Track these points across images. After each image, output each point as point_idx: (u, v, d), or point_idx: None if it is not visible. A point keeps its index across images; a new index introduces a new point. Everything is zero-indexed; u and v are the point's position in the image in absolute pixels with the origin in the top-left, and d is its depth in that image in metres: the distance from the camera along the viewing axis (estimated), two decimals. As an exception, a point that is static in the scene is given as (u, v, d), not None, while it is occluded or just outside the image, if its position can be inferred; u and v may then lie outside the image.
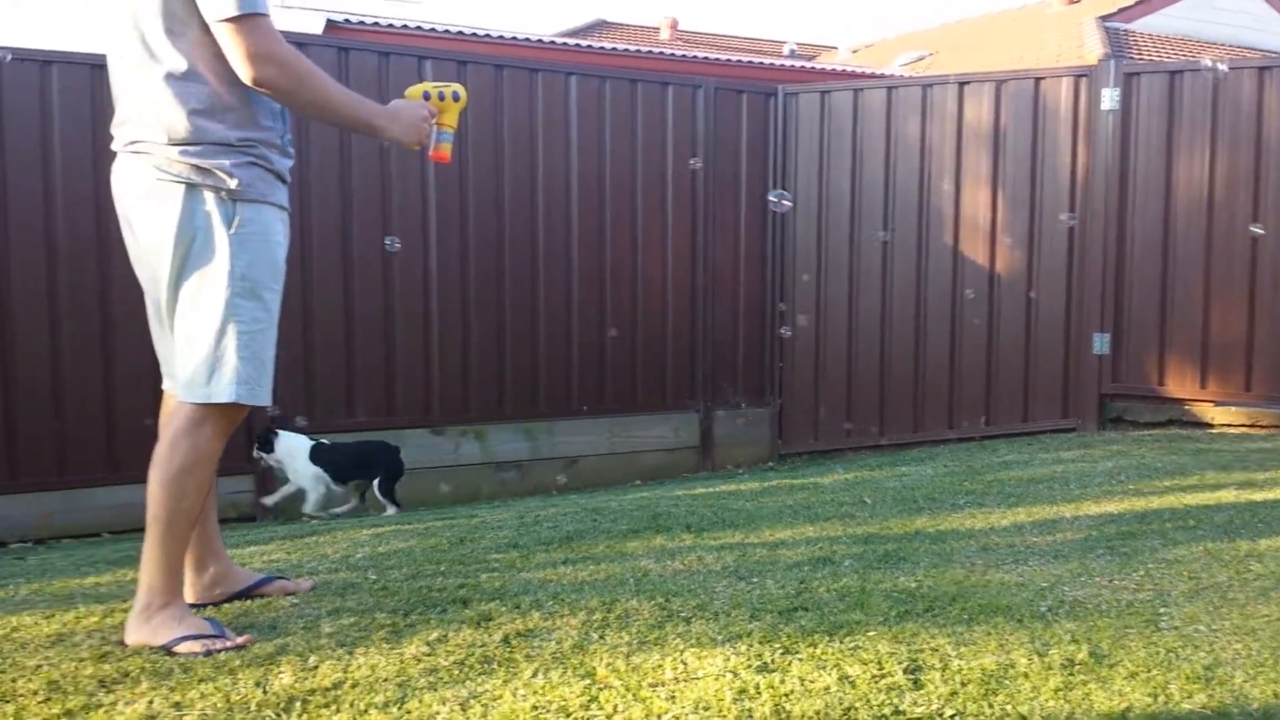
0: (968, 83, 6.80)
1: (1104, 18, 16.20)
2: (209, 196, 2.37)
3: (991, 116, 6.69)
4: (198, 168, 2.36)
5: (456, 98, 2.72)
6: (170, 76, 2.34)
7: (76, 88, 5.38)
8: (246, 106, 2.41)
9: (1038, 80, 6.66)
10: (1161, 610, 2.56)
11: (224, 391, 2.40)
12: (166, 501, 2.40)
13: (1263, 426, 6.07)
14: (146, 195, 2.38)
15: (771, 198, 6.62)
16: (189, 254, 2.38)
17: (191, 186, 2.36)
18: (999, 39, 17.60)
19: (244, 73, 2.32)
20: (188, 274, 2.39)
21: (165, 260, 2.39)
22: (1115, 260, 6.44)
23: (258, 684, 2.16)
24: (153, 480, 2.41)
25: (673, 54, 13.15)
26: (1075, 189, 6.53)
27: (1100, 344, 6.47)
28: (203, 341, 2.39)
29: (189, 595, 2.65)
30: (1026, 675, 2.15)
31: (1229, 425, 6.19)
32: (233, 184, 2.38)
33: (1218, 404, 6.27)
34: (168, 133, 2.35)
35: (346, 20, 11.21)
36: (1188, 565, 3.01)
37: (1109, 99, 6.41)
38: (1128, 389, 6.48)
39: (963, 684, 2.10)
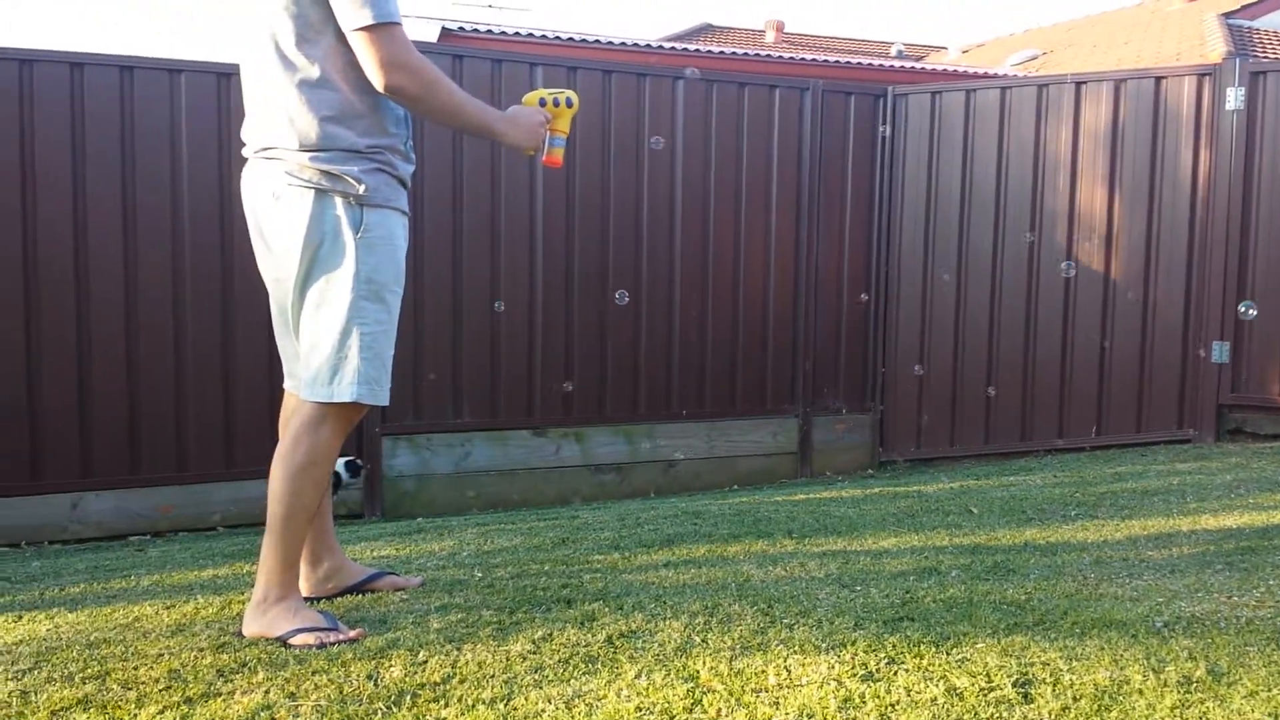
0: (1085, 82, 6.62)
1: (1226, 15, 15.65)
2: (338, 201, 2.44)
3: (1110, 117, 6.51)
4: (328, 173, 2.43)
5: (570, 104, 2.76)
6: (303, 83, 2.42)
7: (204, 98, 5.57)
8: (375, 113, 2.48)
9: (1158, 79, 6.45)
10: (1285, 630, 2.47)
11: (346, 391, 2.47)
12: (285, 497, 2.47)
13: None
14: (277, 200, 2.46)
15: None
16: (316, 257, 2.45)
17: (321, 192, 2.43)
18: (1115, 38, 17.12)
19: (378, 80, 2.38)
20: (315, 277, 2.46)
21: (293, 263, 2.46)
22: (1237, 266, 6.21)
23: (369, 677, 2.22)
24: (275, 477, 2.49)
25: (779, 56, 13.10)
26: (1196, 192, 6.31)
27: (1219, 352, 6.25)
28: (327, 342, 2.46)
29: (304, 589, 2.72)
30: (1141, 692, 2.09)
31: (1359, 439, 5.93)
32: (361, 190, 2.44)
33: (1346, 417, 6.01)
34: (299, 139, 2.43)
35: (461, 28, 11.44)
36: (1313, 584, 2.89)
37: (1234, 98, 6.18)
38: (1248, 399, 6.24)
39: (1075, 699, 2.05)
